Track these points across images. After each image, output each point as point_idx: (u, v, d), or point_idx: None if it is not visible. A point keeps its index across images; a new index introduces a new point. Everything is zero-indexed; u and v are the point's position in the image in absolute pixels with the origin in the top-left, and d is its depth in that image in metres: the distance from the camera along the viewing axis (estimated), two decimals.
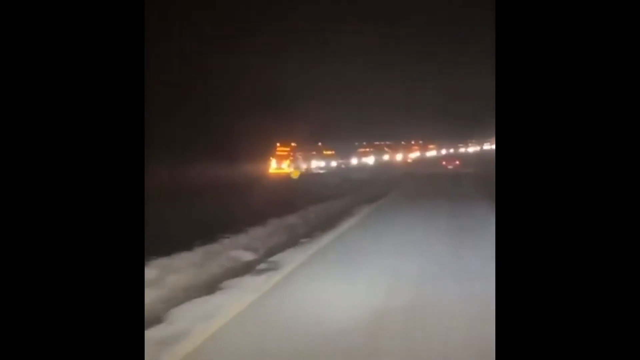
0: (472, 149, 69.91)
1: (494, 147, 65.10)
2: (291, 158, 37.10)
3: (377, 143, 50.30)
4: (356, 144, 47.70)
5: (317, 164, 39.84)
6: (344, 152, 43.07)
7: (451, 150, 65.74)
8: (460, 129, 66.50)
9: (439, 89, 61.97)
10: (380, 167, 41.44)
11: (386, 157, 50.48)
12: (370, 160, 46.80)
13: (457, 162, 43.94)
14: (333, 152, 41.06)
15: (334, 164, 40.62)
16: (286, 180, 30.67)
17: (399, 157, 52.46)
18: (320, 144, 41.57)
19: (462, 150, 68.17)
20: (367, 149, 47.97)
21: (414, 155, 57.04)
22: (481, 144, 69.00)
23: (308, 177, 33.20)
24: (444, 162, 45.42)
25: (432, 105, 61.19)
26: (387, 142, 52.83)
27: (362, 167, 40.91)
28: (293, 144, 38.02)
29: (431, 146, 64.69)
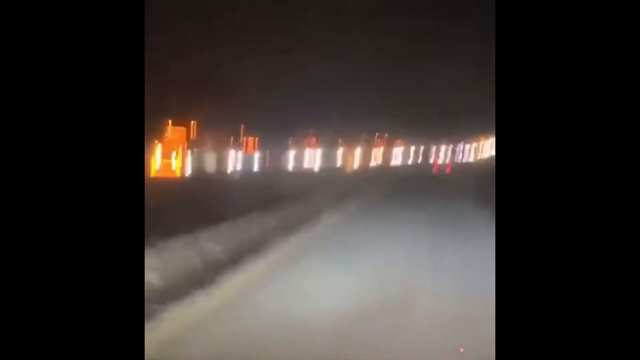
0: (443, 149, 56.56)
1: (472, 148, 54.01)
2: (183, 145, 22.35)
3: (329, 133, 36.11)
4: (298, 132, 33.49)
5: (233, 161, 25.45)
6: (277, 143, 28.98)
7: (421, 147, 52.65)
8: (433, 125, 53.00)
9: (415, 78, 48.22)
10: (329, 172, 27.50)
11: (339, 152, 36.77)
12: (316, 154, 33.14)
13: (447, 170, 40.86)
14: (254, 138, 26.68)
15: (255, 164, 26.12)
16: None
17: (357, 153, 38.68)
18: (243, 126, 27.49)
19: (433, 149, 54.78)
20: (313, 139, 34.05)
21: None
22: (455, 143, 55.50)
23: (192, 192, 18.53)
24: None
25: (405, 96, 47.24)
26: (342, 134, 38.45)
27: (299, 174, 26.91)
28: (193, 122, 23.58)
29: (398, 141, 51.14)
